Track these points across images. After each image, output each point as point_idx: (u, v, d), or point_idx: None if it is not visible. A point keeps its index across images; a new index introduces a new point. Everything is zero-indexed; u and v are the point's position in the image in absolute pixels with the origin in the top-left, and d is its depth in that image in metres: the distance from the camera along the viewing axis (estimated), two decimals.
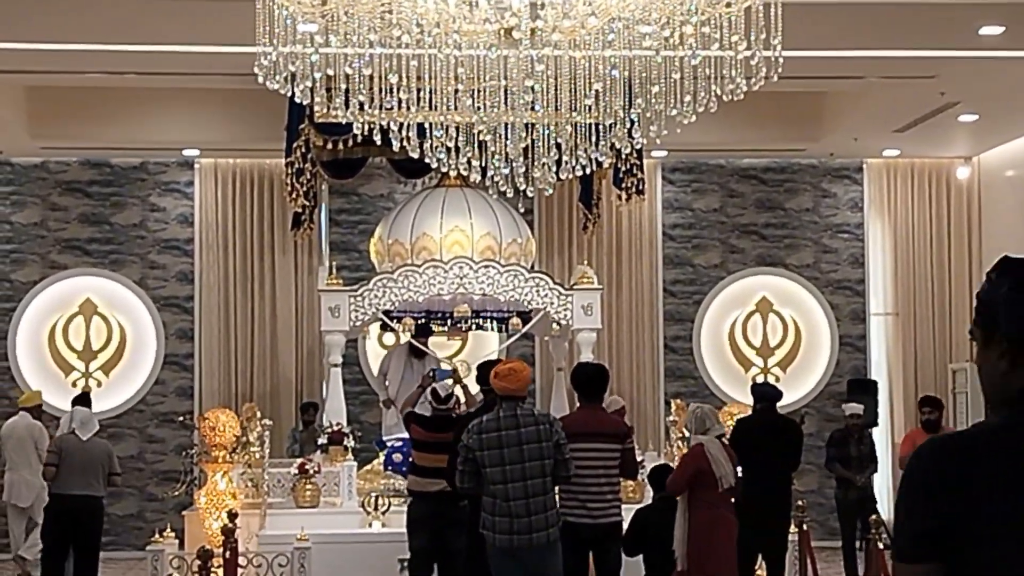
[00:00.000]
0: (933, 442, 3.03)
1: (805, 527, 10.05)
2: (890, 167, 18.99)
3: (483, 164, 9.84)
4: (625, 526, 9.88)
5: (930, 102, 15.75)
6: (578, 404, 10.08)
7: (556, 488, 9.12)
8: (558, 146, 9.93)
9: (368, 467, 14.01)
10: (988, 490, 2.86)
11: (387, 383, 15.32)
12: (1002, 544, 2.84)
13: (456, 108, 9.58)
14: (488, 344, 16.46)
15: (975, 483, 2.87)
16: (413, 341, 14.90)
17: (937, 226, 18.95)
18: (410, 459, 11.37)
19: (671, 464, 11.22)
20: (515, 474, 8.75)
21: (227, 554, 9.17)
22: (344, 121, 9.81)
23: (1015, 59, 13.83)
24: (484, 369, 10.06)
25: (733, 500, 9.69)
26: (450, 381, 12.09)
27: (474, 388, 12.48)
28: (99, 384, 18.03)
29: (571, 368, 12.14)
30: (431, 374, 12.44)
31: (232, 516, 10.73)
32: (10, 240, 18.10)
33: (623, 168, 14.48)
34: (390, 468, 13.73)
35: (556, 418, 9.27)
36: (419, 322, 14.54)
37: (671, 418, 14.44)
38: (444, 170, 10.77)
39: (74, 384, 17.98)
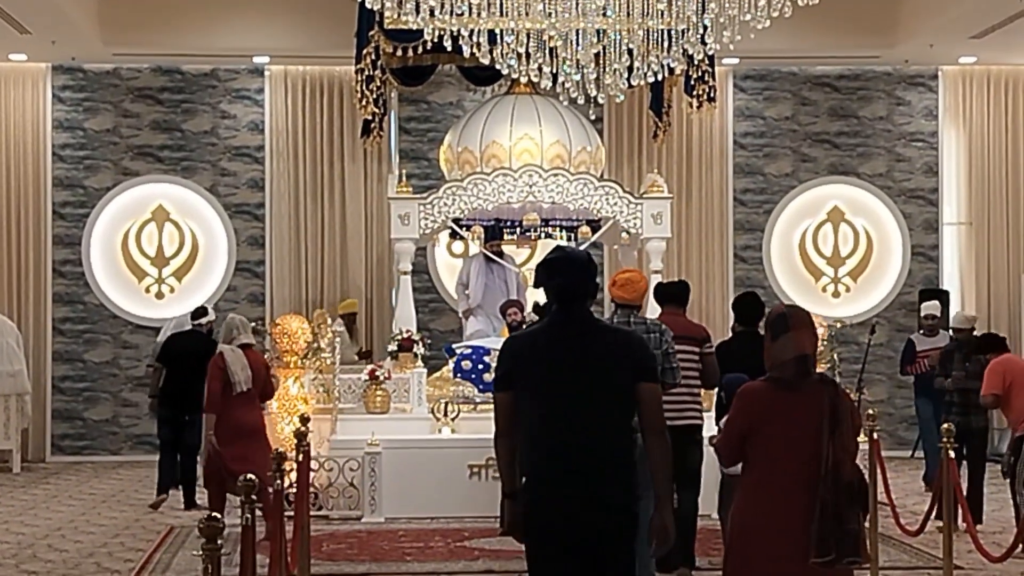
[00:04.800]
0: (514, 337, 6.15)
1: (876, 436, 10.03)
2: (966, 74, 18.70)
3: (554, 71, 9.80)
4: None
5: (1009, 7, 15.47)
6: (661, 311, 10.15)
7: None
8: (629, 52, 9.86)
9: (437, 374, 14.10)
10: (538, 361, 5.62)
11: (467, 292, 15.38)
12: (532, 385, 5.60)
13: (527, 14, 9.53)
14: None
15: (532, 358, 5.64)
16: (485, 251, 14.94)
17: (1013, 134, 18.67)
18: None
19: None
20: None
21: (299, 457, 9.27)
22: (414, 27, 9.78)
23: None
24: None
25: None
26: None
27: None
28: (172, 290, 18.23)
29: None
30: None
31: (304, 420, 10.84)
32: (83, 147, 18.24)
33: (694, 75, 14.37)
34: (459, 375, 13.84)
35: (667, 328, 9.27)
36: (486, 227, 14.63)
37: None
38: (514, 77, 10.74)
39: (147, 290, 18.23)
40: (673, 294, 10.34)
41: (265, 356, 14.02)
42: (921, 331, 15.02)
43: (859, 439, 5.86)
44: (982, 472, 12.21)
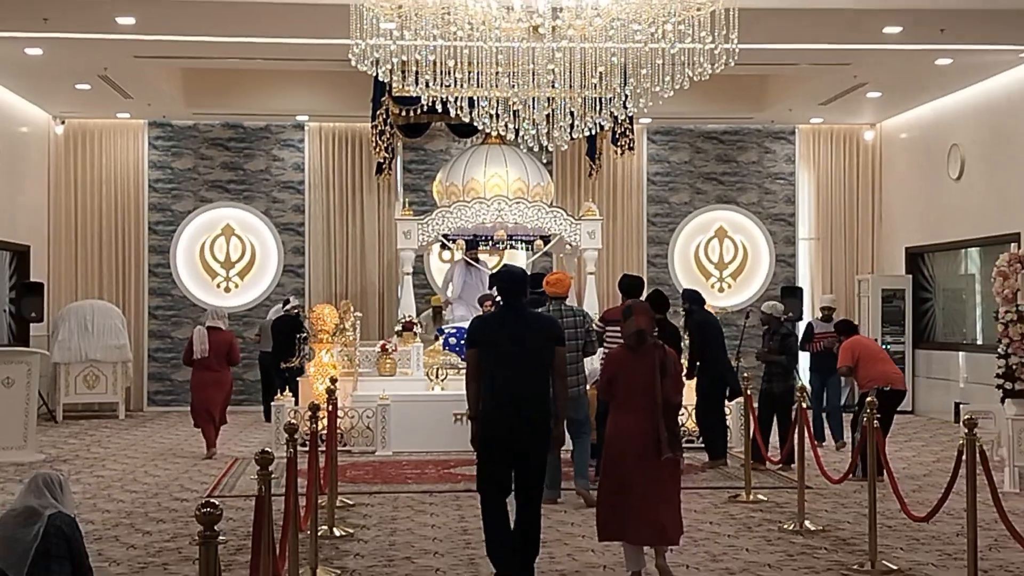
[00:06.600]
0: (479, 317, 7.24)
1: (749, 393, 10.12)
2: (815, 131, 18.83)
3: (516, 127, 9.85)
4: None
5: (846, 83, 15.62)
6: (621, 300, 10.30)
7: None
8: (572, 114, 9.91)
9: (431, 347, 14.11)
10: (492, 333, 6.70)
11: (451, 287, 15.39)
12: (488, 351, 6.64)
13: (497, 86, 9.57)
14: (518, 260, 16.43)
15: (488, 331, 6.74)
16: (467, 258, 14.96)
17: (849, 174, 18.81)
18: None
19: None
20: None
21: (330, 407, 9.29)
22: (415, 94, 9.78)
23: (909, 51, 13.72)
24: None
25: None
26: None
27: None
28: (236, 286, 18.21)
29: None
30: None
31: (333, 381, 10.85)
32: (171, 181, 18.19)
33: (619, 131, 14.41)
34: (447, 348, 13.86)
35: (587, 312, 9.92)
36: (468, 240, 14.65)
37: None
38: (488, 131, 10.78)
39: (218, 286, 18.20)
40: (628, 290, 10.39)
41: (305, 335, 14.07)
42: (819, 317, 14.37)
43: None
44: (788, 423, 11.22)
